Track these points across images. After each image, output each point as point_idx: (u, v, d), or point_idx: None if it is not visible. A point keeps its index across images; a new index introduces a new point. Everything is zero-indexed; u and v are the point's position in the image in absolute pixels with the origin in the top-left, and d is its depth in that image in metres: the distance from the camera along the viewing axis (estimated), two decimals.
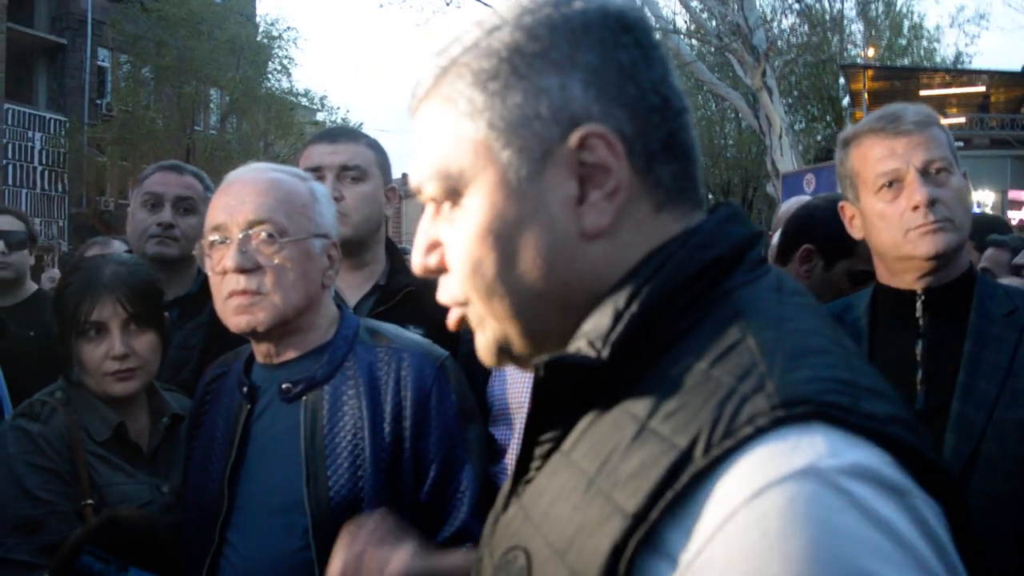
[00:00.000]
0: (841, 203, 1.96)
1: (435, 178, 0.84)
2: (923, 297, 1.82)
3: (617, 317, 0.77)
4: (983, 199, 18.29)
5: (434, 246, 0.87)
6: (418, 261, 0.88)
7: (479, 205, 0.81)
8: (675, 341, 0.77)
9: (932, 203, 1.75)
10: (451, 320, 0.89)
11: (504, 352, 0.87)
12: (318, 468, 1.66)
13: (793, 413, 0.65)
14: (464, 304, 0.86)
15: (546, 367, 0.77)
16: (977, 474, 1.66)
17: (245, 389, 1.75)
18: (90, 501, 1.88)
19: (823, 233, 2.51)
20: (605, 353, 0.76)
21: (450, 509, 1.73)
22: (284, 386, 1.72)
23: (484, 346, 0.88)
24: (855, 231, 1.93)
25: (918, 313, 1.82)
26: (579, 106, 0.79)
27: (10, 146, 25.20)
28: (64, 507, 1.86)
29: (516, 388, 1.96)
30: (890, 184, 1.79)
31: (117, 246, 3.85)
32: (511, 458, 1.85)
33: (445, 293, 0.88)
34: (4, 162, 24.87)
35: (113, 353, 1.97)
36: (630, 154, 0.80)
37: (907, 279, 1.83)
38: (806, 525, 0.60)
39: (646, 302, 0.77)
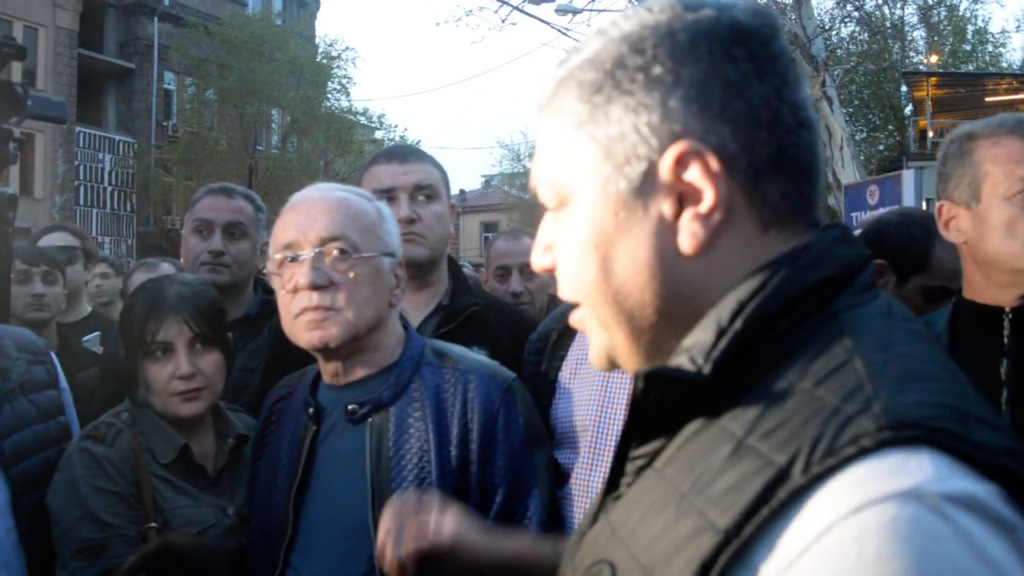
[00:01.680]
0: (940, 203, 1.85)
1: (547, 186, 0.87)
2: (1011, 315, 1.74)
3: (720, 333, 0.76)
4: None
5: (549, 247, 0.89)
6: (536, 259, 0.91)
7: (582, 216, 0.83)
8: (778, 360, 0.75)
9: None
10: (573, 319, 0.91)
11: (612, 359, 0.88)
12: (384, 491, 1.63)
13: (900, 436, 0.63)
14: (580, 306, 0.88)
15: (645, 379, 0.76)
16: None
17: (311, 410, 1.74)
18: (154, 524, 1.87)
19: (895, 248, 2.46)
20: (706, 369, 0.75)
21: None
22: (350, 407, 1.71)
23: (595, 351, 0.89)
24: (953, 235, 1.81)
25: (1005, 331, 1.74)
26: (679, 122, 0.78)
27: (81, 167, 26.06)
28: (128, 530, 1.86)
29: (582, 411, 1.91)
30: None
31: (165, 268, 3.85)
32: (575, 482, 1.81)
33: (564, 291, 0.89)
34: (76, 183, 25.70)
35: (180, 373, 1.97)
36: (732, 171, 0.78)
37: (1007, 295, 1.74)
38: (907, 549, 0.57)
39: (750, 319, 0.75)
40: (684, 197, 0.78)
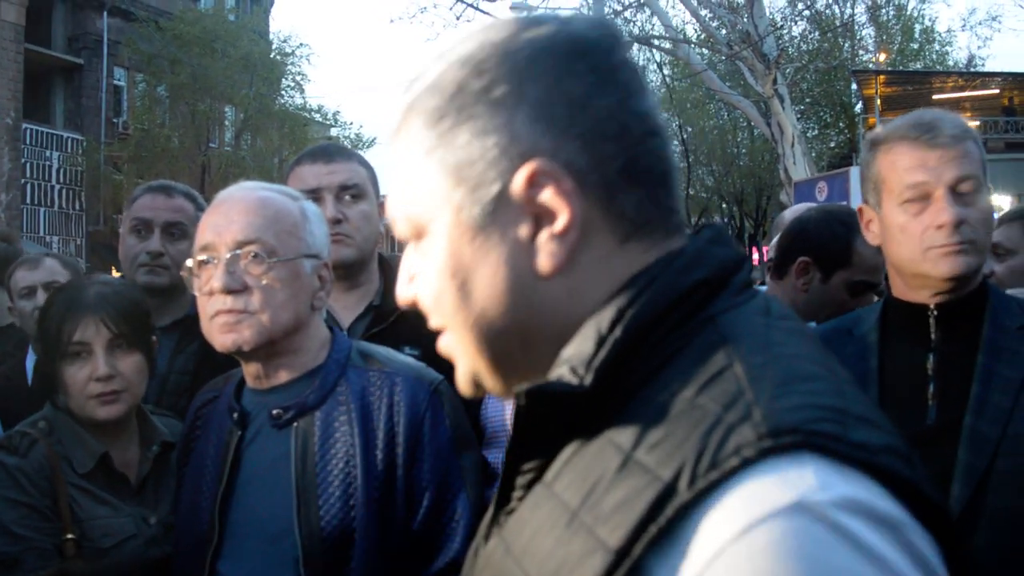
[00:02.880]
0: (860, 205, 1.89)
1: (401, 220, 0.85)
2: (935, 312, 1.77)
3: (600, 342, 0.75)
4: (999, 203, 18.15)
5: (412, 278, 0.87)
6: (399, 291, 0.89)
7: (437, 245, 0.81)
8: (660, 367, 0.74)
9: (958, 224, 1.68)
10: (439, 346, 0.89)
11: (477, 384, 0.86)
12: (309, 497, 1.62)
13: (781, 443, 0.63)
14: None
15: (527, 396, 0.75)
16: (991, 489, 1.61)
17: (236, 415, 1.72)
18: (71, 536, 1.83)
19: (817, 244, 2.49)
20: (588, 379, 0.74)
21: (444, 539, 1.69)
22: (275, 412, 1.68)
23: (460, 376, 0.87)
24: (871, 236, 1.86)
25: (931, 328, 1.78)
26: (527, 142, 0.77)
27: (28, 165, 25.45)
28: (42, 543, 1.81)
29: (511, 409, 1.95)
30: (917, 198, 1.72)
31: (49, 264, 3.54)
32: None
33: (430, 319, 0.87)
34: (23, 181, 25.11)
35: (97, 375, 1.92)
36: (584, 187, 0.77)
37: (922, 295, 1.78)
38: (799, 564, 0.58)
39: (630, 326, 0.74)
40: (539, 217, 0.77)
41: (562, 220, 0.76)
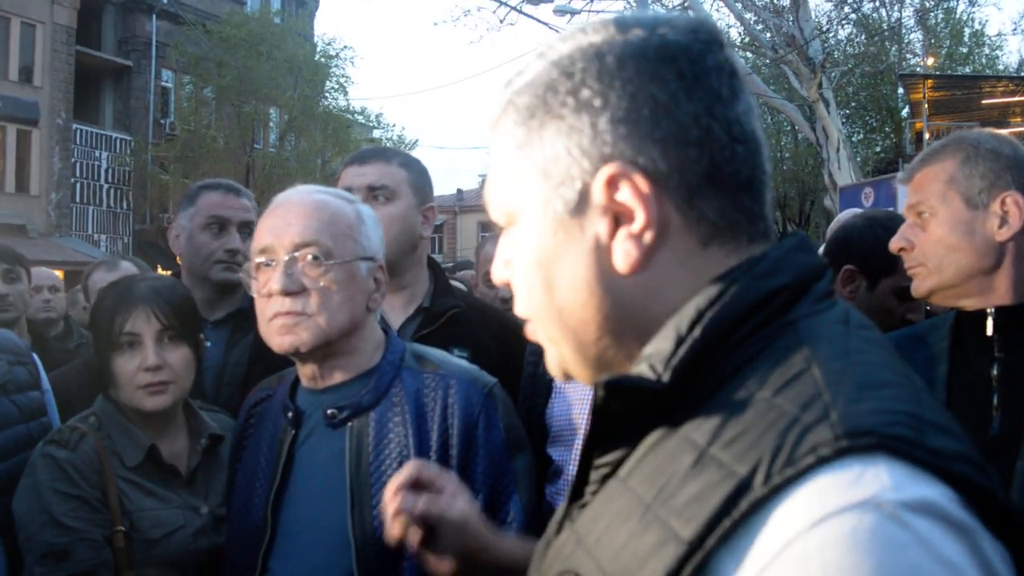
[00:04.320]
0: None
1: (496, 206, 0.90)
2: (993, 316, 1.73)
3: (679, 341, 0.76)
4: None
5: (509, 262, 0.91)
6: (496, 272, 0.93)
7: (526, 236, 0.85)
8: (737, 369, 0.75)
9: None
10: (528, 331, 0.92)
11: (566, 371, 0.90)
12: (363, 497, 1.62)
13: (857, 444, 0.64)
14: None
15: (605, 387, 0.77)
16: None
17: (290, 414, 1.73)
18: (120, 528, 1.87)
19: (861, 252, 2.46)
20: (666, 377, 0.76)
21: None
22: (329, 411, 1.69)
23: (550, 362, 0.91)
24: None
25: (990, 333, 1.74)
26: (609, 144, 0.79)
27: (78, 165, 26.03)
28: (92, 534, 1.85)
29: (577, 409, 1.94)
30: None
31: (125, 267, 3.81)
32: (568, 479, 1.82)
33: (517, 306, 0.90)
34: (73, 180, 25.68)
35: (146, 365, 1.96)
36: (664, 190, 0.79)
37: (969, 303, 1.76)
38: (868, 558, 0.58)
39: (709, 327, 0.76)
40: (618, 216, 0.80)
41: (639, 221, 0.79)
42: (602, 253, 0.81)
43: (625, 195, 0.78)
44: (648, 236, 0.79)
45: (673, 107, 0.79)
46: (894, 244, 1.88)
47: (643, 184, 0.78)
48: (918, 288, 1.84)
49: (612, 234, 0.80)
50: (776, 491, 0.64)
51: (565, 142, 0.81)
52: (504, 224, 0.89)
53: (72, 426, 1.98)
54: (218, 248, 2.70)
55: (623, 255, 0.79)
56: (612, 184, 0.79)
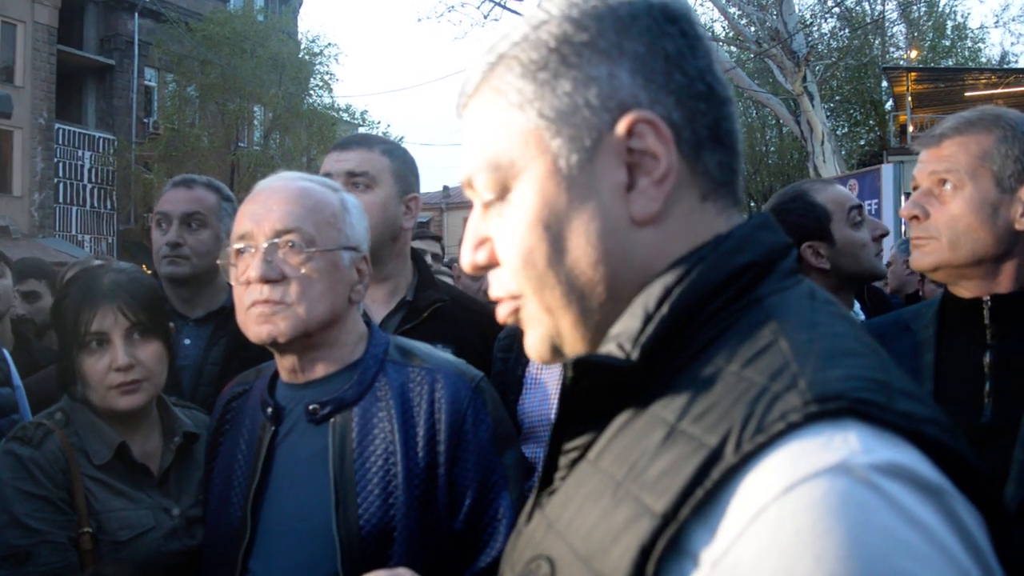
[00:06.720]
0: None
1: (486, 170, 0.85)
2: (989, 305, 1.72)
3: (647, 319, 0.77)
4: None
5: (482, 242, 0.88)
6: (467, 259, 0.89)
7: (530, 195, 0.82)
8: (706, 346, 0.76)
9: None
10: (501, 314, 0.88)
11: (556, 349, 0.86)
12: (347, 495, 1.57)
13: (826, 408, 0.64)
14: (516, 298, 0.86)
15: (575, 366, 0.77)
16: None
17: (269, 409, 1.67)
18: (87, 529, 1.78)
19: (805, 226, 2.36)
20: (635, 355, 0.76)
21: (486, 538, 1.64)
22: (311, 407, 1.64)
23: (536, 342, 0.87)
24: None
25: (986, 322, 1.73)
26: (627, 93, 0.80)
27: (61, 164, 25.83)
28: (57, 536, 1.75)
29: (551, 404, 1.90)
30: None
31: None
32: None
33: (497, 287, 0.87)
34: (55, 180, 25.48)
35: (116, 365, 1.87)
36: (678, 141, 0.80)
37: (970, 288, 1.75)
38: (840, 522, 0.58)
39: (676, 304, 0.76)
40: (635, 167, 0.80)
41: (662, 167, 0.79)
42: (618, 204, 0.80)
43: (649, 140, 0.79)
44: (669, 183, 0.80)
45: (683, 61, 0.82)
46: (906, 211, 1.80)
47: (665, 131, 0.79)
48: (921, 260, 1.78)
49: (627, 185, 0.80)
50: (747, 459, 0.64)
51: (583, 92, 0.81)
52: (492, 194, 0.85)
53: (37, 422, 1.89)
54: (162, 243, 2.67)
55: (648, 201, 0.80)
56: (633, 131, 0.79)
